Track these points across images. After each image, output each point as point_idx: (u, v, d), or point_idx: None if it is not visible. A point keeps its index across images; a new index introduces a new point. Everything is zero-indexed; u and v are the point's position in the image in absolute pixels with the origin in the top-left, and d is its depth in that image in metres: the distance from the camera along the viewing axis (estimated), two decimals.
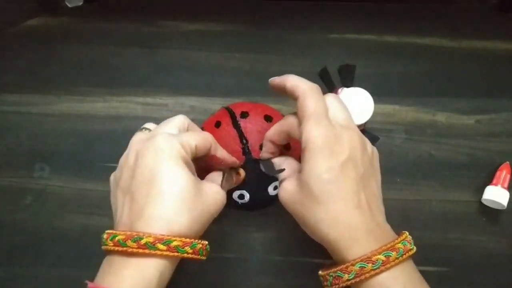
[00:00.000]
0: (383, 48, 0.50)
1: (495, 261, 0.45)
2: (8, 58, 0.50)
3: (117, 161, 0.47)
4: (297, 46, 0.50)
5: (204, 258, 0.31)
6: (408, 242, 0.30)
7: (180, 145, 0.31)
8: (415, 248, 0.30)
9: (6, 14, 0.52)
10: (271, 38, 0.50)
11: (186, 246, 0.29)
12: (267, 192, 0.41)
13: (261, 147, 0.39)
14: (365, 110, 0.41)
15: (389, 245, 0.29)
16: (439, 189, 0.46)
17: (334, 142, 0.29)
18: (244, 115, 0.41)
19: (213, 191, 0.33)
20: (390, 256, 0.28)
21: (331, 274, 0.30)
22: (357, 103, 0.41)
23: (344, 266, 0.29)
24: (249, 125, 0.40)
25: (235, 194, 0.41)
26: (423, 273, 0.45)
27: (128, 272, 0.28)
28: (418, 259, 0.45)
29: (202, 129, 0.44)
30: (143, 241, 0.27)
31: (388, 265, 0.28)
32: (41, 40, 0.50)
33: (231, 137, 0.40)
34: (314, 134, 0.29)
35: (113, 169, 0.47)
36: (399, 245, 0.29)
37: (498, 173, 0.46)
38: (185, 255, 0.29)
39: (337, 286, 0.29)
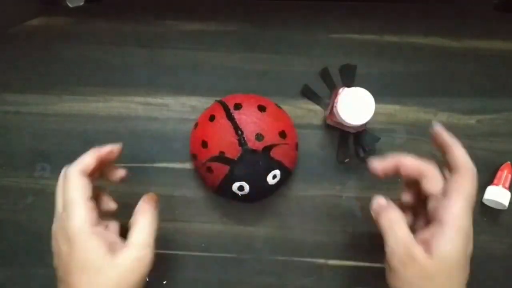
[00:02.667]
0: (384, 48, 0.50)
1: (496, 261, 0.45)
2: (9, 58, 0.50)
3: (117, 161, 0.47)
4: (298, 46, 0.50)
5: None
6: None
7: (84, 222, 0.32)
8: None
9: (7, 14, 0.52)
10: (271, 38, 0.50)
11: None
12: (266, 182, 0.41)
13: (257, 138, 0.40)
14: (366, 110, 0.41)
15: None
16: None
17: (471, 231, 0.32)
18: (238, 106, 0.41)
19: (131, 260, 0.32)
20: None
21: None
22: (358, 103, 0.41)
23: None
24: (243, 116, 0.41)
25: (235, 186, 0.41)
26: None
27: None
28: None
29: (196, 124, 0.44)
30: None
31: None
32: (42, 40, 0.50)
33: (226, 129, 0.40)
34: (464, 218, 0.31)
35: None
36: None
37: (499, 173, 0.45)
38: None
39: None
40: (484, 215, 0.46)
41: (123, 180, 0.39)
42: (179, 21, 0.51)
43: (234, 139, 0.40)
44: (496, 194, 0.44)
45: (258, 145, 0.40)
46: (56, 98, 0.49)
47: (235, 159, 0.40)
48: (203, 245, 0.45)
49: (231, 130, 0.40)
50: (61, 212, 0.33)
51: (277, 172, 0.41)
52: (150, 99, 0.48)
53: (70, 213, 0.32)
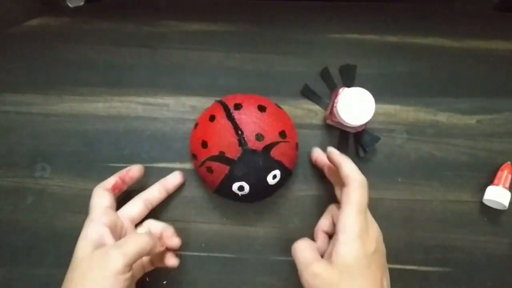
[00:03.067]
0: (384, 48, 0.50)
1: (496, 262, 0.45)
2: (9, 58, 0.50)
3: (118, 161, 0.47)
4: (298, 46, 0.50)
5: None
6: None
7: (97, 217, 0.39)
8: None
9: (7, 14, 0.52)
10: (272, 38, 0.50)
11: None
12: (267, 182, 0.41)
13: (257, 138, 0.40)
14: (366, 110, 0.41)
15: None
16: (440, 189, 0.46)
17: (366, 234, 0.34)
18: (238, 106, 0.41)
19: (100, 257, 0.35)
20: None
21: None
22: (358, 103, 0.41)
23: None
24: (243, 116, 0.40)
25: (235, 186, 0.41)
26: (424, 274, 0.45)
27: None
28: (420, 259, 0.45)
29: (196, 125, 0.44)
30: None
31: None
32: (42, 40, 0.50)
33: (226, 129, 0.40)
34: (355, 224, 0.34)
35: (114, 169, 0.47)
36: None
37: (499, 173, 0.45)
38: None
39: None
40: (484, 215, 0.46)
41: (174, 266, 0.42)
42: (179, 21, 0.51)
43: (234, 139, 0.40)
44: (496, 194, 0.44)
45: (258, 145, 0.40)
46: (56, 98, 0.49)
47: (235, 159, 0.40)
48: (203, 245, 0.45)
49: (231, 130, 0.40)
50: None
51: (277, 172, 0.41)
52: (150, 99, 0.48)
53: (90, 214, 0.39)
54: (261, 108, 0.42)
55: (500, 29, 0.50)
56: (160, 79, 0.49)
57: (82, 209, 0.46)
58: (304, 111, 0.48)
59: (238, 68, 0.49)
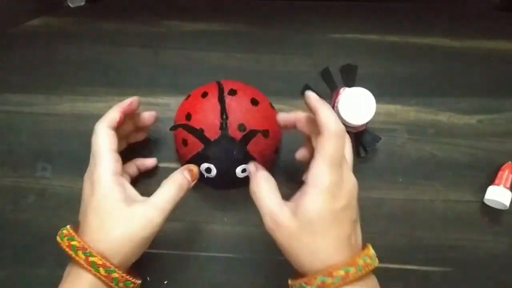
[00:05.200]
0: (385, 48, 0.50)
1: (497, 261, 0.45)
2: (10, 58, 0.50)
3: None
4: (299, 46, 0.50)
5: None
6: (369, 257, 0.31)
7: (107, 169, 0.35)
8: (376, 262, 0.31)
9: (9, 14, 0.52)
10: (272, 38, 0.50)
11: (102, 267, 0.31)
12: (235, 173, 0.41)
13: (239, 128, 0.39)
14: (367, 110, 0.41)
15: (349, 261, 0.30)
16: (441, 189, 0.46)
17: (338, 188, 0.31)
18: (232, 92, 0.41)
19: (141, 215, 0.34)
20: (349, 271, 0.29)
21: (297, 285, 0.32)
22: (359, 103, 0.41)
23: (307, 278, 0.31)
24: (234, 103, 0.40)
25: (203, 166, 0.41)
26: (425, 273, 0.45)
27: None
28: (420, 259, 0.45)
29: (188, 96, 0.44)
30: (73, 242, 0.32)
31: (348, 280, 0.29)
32: (43, 40, 0.50)
33: (213, 109, 0.40)
34: (325, 177, 0.31)
35: None
36: (359, 260, 0.30)
37: (500, 173, 0.45)
38: (98, 274, 0.31)
39: None
40: (485, 215, 0.46)
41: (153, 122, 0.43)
42: (179, 21, 0.51)
43: (217, 121, 0.40)
44: (497, 194, 0.44)
45: (238, 134, 0.39)
46: (57, 98, 0.49)
47: (212, 140, 0.39)
48: (203, 245, 0.45)
49: (217, 111, 0.40)
50: (91, 161, 0.36)
51: (247, 167, 0.40)
52: (151, 99, 0.48)
53: (96, 161, 0.35)
54: (254, 102, 0.42)
55: (501, 29, 0.50)
56: (161, 79, 0.49)
57: None
58: (305, 111, 0.48)
59: (238, 68, 0.49)
